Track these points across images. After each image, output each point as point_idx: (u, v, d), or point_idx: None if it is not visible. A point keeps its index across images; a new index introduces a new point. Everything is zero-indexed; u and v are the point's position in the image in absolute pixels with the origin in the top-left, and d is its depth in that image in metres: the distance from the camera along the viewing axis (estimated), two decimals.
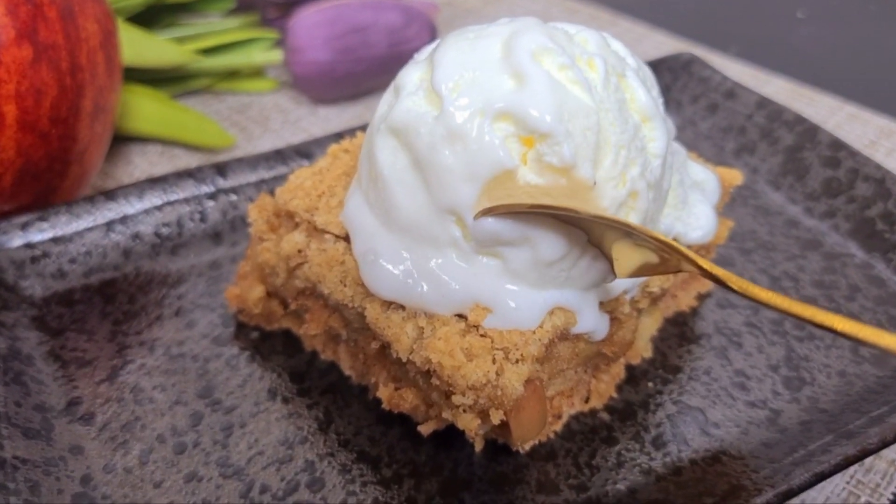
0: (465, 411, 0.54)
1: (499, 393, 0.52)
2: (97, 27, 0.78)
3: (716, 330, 0.71)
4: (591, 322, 0.57)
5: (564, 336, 0.57)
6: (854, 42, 1.33)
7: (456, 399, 0.53)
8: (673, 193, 0.61)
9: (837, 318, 0.44)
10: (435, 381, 0.54)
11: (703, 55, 1.16)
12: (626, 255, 0.53)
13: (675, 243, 0.50)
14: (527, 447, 0.62)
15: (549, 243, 0.53)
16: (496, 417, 0.53)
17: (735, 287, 0.49)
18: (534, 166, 0.52)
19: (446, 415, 0.56)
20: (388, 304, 0.57)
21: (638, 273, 0.54)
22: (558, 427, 0.63)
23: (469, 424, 0.54)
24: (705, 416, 0.64)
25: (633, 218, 0.54)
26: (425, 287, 0.54)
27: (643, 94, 0.56)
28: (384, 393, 0.62)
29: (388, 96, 0.59)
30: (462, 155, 0.52)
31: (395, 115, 0.54)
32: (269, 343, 0.71)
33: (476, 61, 0.53)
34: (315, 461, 0.61)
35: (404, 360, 0.55)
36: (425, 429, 0.60)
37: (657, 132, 0.56)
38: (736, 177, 0.70)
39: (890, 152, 0.99)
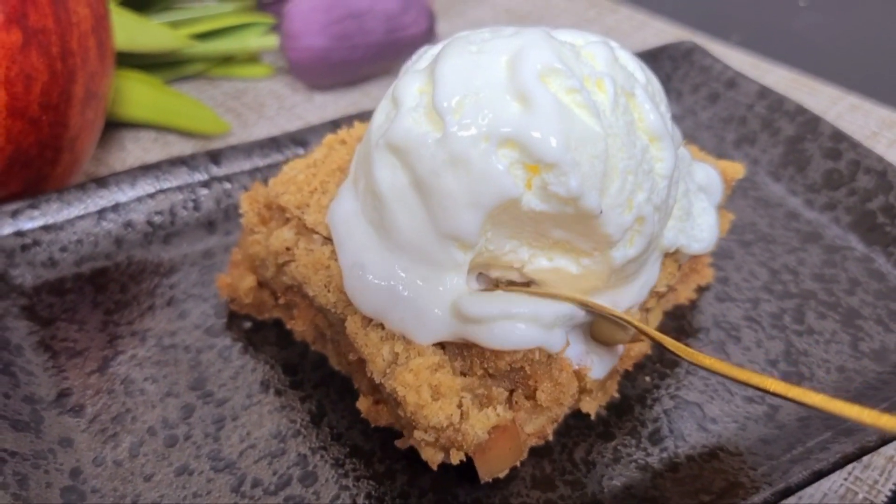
0: (427, 445, 0.54)
1: (460, 437, 0.52)
2: (88, 11, 0.76)
3: (714, 324, 0.71)
4: (576, 355, 0.57)
5: None
6: (856, 31, 1.32)
7: (418, 435, 0.53)
8: (678, 205, 0.60)
9: (770, 380, 0.51)
10: (401, 412, 0.54)
11: (704, 43, 1.15)
12: (601, 329, 0.57)
13: (637, 323, 0.55)
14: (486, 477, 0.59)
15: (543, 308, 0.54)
16: (457, 457, 0.53)
17: (686, 358, 0.53)
18: (539, 193, 0.50)
19: (413, 442, 0.56)
20: (370, 320, 0.56)
21: (609, 342, 0.58)
22: (542, 442, 0.61)
23: (432, 457, 0.54)
24: (703, 412, 0.63)
25: (637, 241, 0.54)
26: (408, 313, 0.54)
27: (652, 113, 0.54)
28: (363, 404, 0.61)
29: (385, 104, 0.57)
30: (465, 181, 0.50)
31: (394, 133, 0.52)
32: (262, 334, 0.70)
33: (480, 80, 0.51)
34: (308, 455, 0.60)
35: (377, 382, 0.55)
36: (402, 444, 0.60)
37: (665, 152, 0.55)
38: (738, 170, 0.69)
39: (891, 144, 0.98)
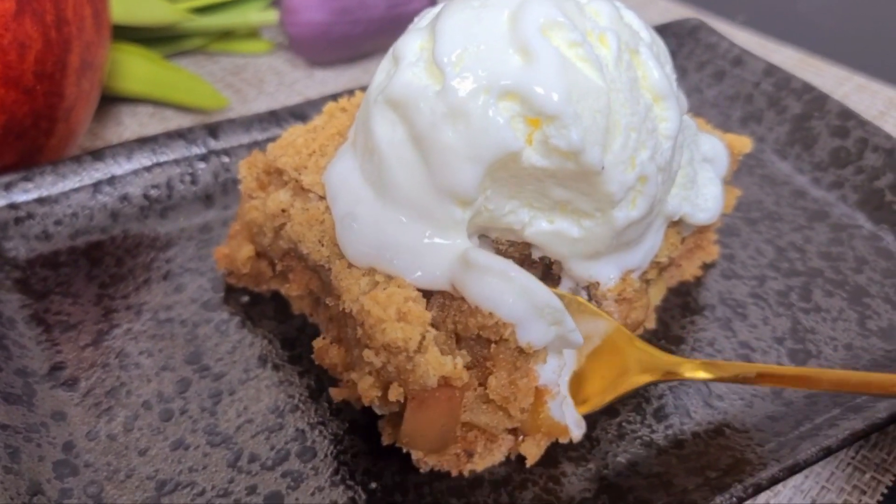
0: (369, 373, 0.52)
1: (409, 367, 0.49)
2: None
3: (720, 301, 0.69)
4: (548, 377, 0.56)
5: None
6: (862, 12, 1.30)
7: (367, 354, 0.50)
8: (682, 172, 0.59)
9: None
10: (359, 332, 0.51)
11: (710, 23, 1.13)
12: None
13: None
14: (414, 456, 0.56)
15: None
16: (395, 394, 0.51)
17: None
18: (539, 148, 0.49)
19: (354, 376, 0.53)
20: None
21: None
22: (466, 470, 0.57)
23: (367, 391, 0.52)
24: (708, 389, 0.62)
25: (640, 203, 0.52)
26: (400, 260, 0.52)
27: (656, 71, 0.53)
28: (317, 343, 0.60)
29: (386, 64, 0.56)
30: (465, 134, 0.49)
31: (393, 87, 0.51)
32: (260, 308, 0.69)
33: (481, 34, 0.50)
34: (306, 430, 0.59)
35: (347, 310, 0.52)
36: (336, 393, 0.59)
37: (669, 112, 0.54)
38: (745, 144, 0.68)
39: None
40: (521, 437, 0.57)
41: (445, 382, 0.50)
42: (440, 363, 0.49)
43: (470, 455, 0.57)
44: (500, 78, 0.48)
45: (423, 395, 0.51)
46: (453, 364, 0.49)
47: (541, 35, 0.48)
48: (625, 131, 0.50)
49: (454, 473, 0.57)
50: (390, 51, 0.56)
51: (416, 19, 0.59)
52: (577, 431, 0.57)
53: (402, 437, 0.54)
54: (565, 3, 0.52)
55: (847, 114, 0.83)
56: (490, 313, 0.50)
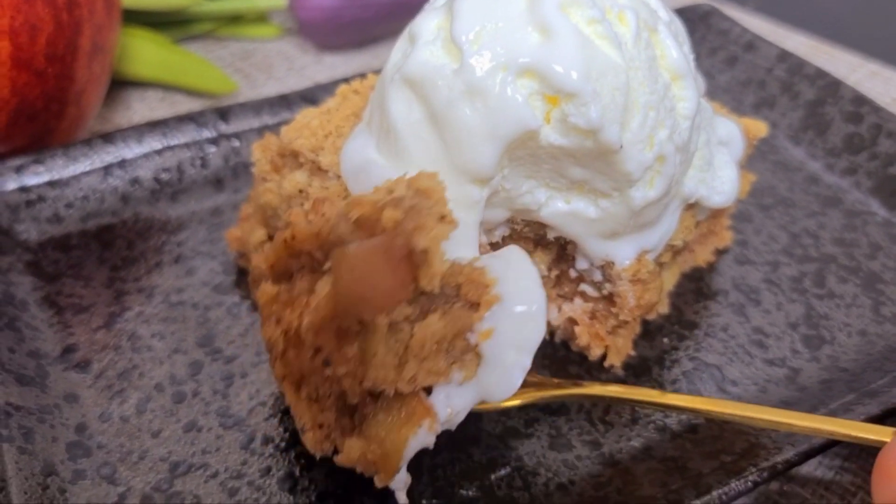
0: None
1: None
2: None
3: (733, 286, 0.69)
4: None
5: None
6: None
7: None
8: (699, 154, 0.58)
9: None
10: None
11: (721, 8, 1.12)
12: None
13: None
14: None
15: None
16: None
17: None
18: (558, 126, 0.49)
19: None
20: None
21: None
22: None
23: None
24: (722, 374, 0.62)
25: (658, 183, 0.52)
26: None
27: (675, 50, 0.53)
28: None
29: (402, 43, 0.56)
30: (482, 112, 0.48)
31: (410, 66, 0.51)
32: None
33: (499, 11, 0.49)
34: None
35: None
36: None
37: (687, 91, 0.53)
38: (760, 128, 0.68)
39: None
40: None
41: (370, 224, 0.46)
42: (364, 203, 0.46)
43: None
44: (518, 55, 0.48)
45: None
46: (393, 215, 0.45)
47: (559, 12, 0.48)
48: (643, 110, 0.50)
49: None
50: (406, 30, 0.56)
51: (430, 1, 0.58)
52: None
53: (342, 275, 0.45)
54: None
55: (861, 99, 0.82)
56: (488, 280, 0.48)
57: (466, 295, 0.48)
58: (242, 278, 0.69)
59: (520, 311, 0.48)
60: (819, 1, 1.27)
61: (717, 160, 0.61)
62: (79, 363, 0.62)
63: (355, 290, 0.44)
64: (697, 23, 0.96)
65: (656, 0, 0.56)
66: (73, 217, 0.73)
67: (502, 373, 0.48)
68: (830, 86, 0.85)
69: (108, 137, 0.76)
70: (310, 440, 0.49)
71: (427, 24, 0.53)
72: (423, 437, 0.47)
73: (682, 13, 0.96)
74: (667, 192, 0.53)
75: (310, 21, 1.01)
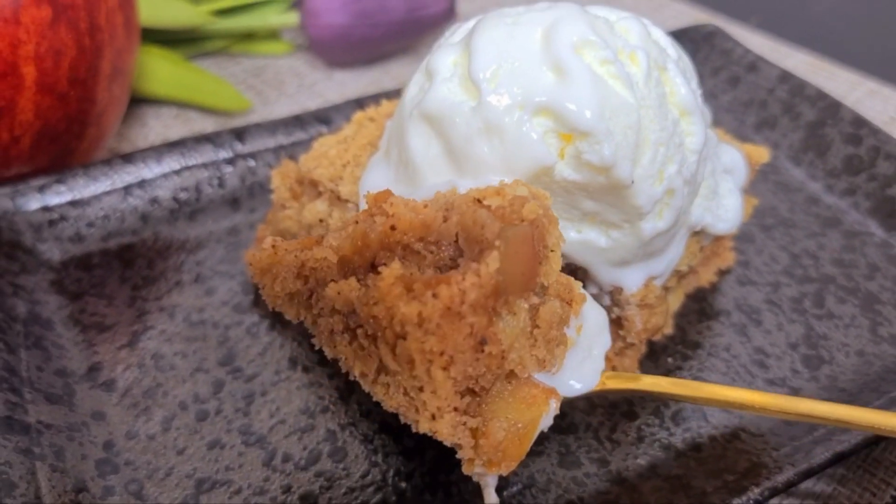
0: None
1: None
2: None
3: (735, 307, 0.71)
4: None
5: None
6: (875, 15, 1.31)
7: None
8: (704, 183, 0.61)
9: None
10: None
11: (723, 26, 1.14)
12: None
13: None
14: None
15: None
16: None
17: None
18: (571, 162, 0.51)
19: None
20: None
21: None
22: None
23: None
24: None
25: (667, 215, 0.54)
26: None
27: (683, 88, 0.55)
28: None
29: (418, 77, 0.58)
30: (500, 149, 0.51)
31: (429, 102, 0.53)
32: None
33: (515, 51, 0.52)
34: (337, 431, 0.61)
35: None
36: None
37: (695, 127, 0.56)
38: (762, 154, 0.70)
39: None
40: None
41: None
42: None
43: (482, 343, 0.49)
44: (534, 94, 0.50)
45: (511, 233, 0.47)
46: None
47: (573, 53, 0.50)
48: (653, 146, 0.52)
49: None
50: (422, 65, 0.58)
51: (446, 33, 0.60)
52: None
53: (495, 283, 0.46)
54: (596, 21, 0.53)
55: (860, 121, 0.84)
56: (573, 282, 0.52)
57: (557, 293, 0.51)
58: (261, 298, 0.71)
59: (593, 311, 0.53)
60: (820, 17, 1.29)
61: (722, 188, 0.64)
62: (104, 381, 0.64)
63: (517, 269, 0.46)
64: (701, 43, 0.98)
65: (665, 37, 0.58)
66: (95, 236, 0.75)
67: (591, 363, 0.53)
68: (830, 107, 0.87)
69: (127, 157, 0.78)
70: (445, 425, 0.47)
71: (444, 60, 0.55)
72: (550, 415, 0.50)
73: (686, 33, 0.99)
74: (675, 222, 0.56)
75: (321, 39, 1.03)
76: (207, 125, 0.97)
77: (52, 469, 0.55)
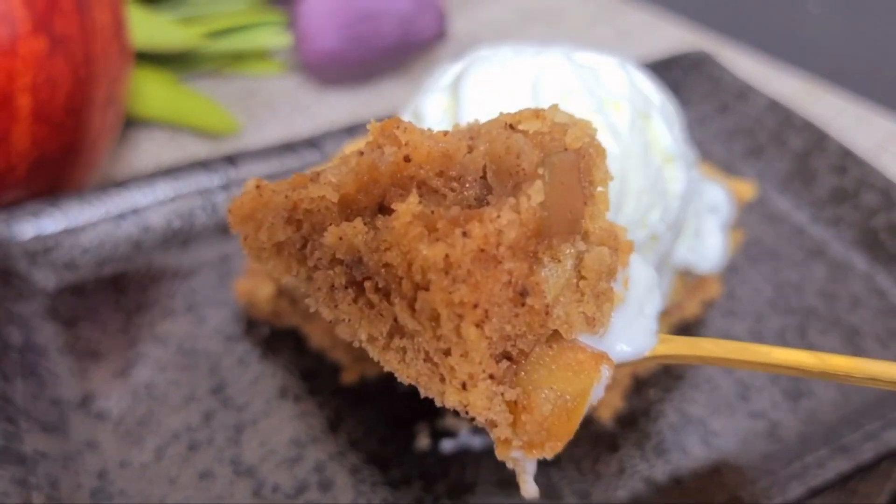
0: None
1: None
2: (111, 18, 0.77)
3: (720, 338, 0.73)
4: None
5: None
6: (867, 36, 1.33)
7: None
8: (689, 223, 0.62)
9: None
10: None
11: (714, 47, 1.16)
12: None
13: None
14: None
15: None
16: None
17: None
18: None
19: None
20: None
21: None
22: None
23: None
24: (706, 426, 0.66)
25: (651, 259, 0.55)
26: None
27: (667, 135, 0.56)
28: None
29: (407, 118, 0.59)
30: None
31: None
32: (280, 340, 0.72)
33: (502, 99, 0.53)
34: (325, 461, 0.63)
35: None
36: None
37: (678, 172, 0.57)
38: (748, 191, 0.71)
39: None
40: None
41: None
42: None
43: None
44: None
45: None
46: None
47: (560, 103, 0.52)
48: (637, 194, 0.53)
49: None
50: (411, 106, 0.59)
51: (436, 75, 0.62)
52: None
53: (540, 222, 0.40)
54: (582, 70, 0.55)
55: (846, 153, 0.86)
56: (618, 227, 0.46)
57: (601, 240, 0.44)
58: (252, 327, 0.73)
59: (640, 265, 0.47)
60: (811, 37, 1.30)
61: (705, 228, 0.65)
62: (99, 410, 0.65)
63: (564, 205, 0.40)
64: (690, 70, 1.00)
65: (650, 84, 0.60)
66: (89, 263, 0.76)
67: (643, 323, 0.46)
68: (817, 138, 0.89)
69: (121, 185, 0.79)
70: (479, 395, 0.39)
71: (433, 105, 0.56)
72: (601, 385, 0.43)
73: (676, 61, 1.00)
74: (659, 266, 0.57)
75: (313, 62, 1.04)
76: (199, 147, 0.99)
77: (47, 499, 0.57)
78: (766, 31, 1.31)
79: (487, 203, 0.41)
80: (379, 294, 0.41)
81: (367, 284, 0.42)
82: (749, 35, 1.25)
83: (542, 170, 0.39)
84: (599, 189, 0.43)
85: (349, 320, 0.44)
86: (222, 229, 0.80)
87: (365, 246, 0.40)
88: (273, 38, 1.07)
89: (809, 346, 0.72)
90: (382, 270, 0.40)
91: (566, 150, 0.41)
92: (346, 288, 0.43)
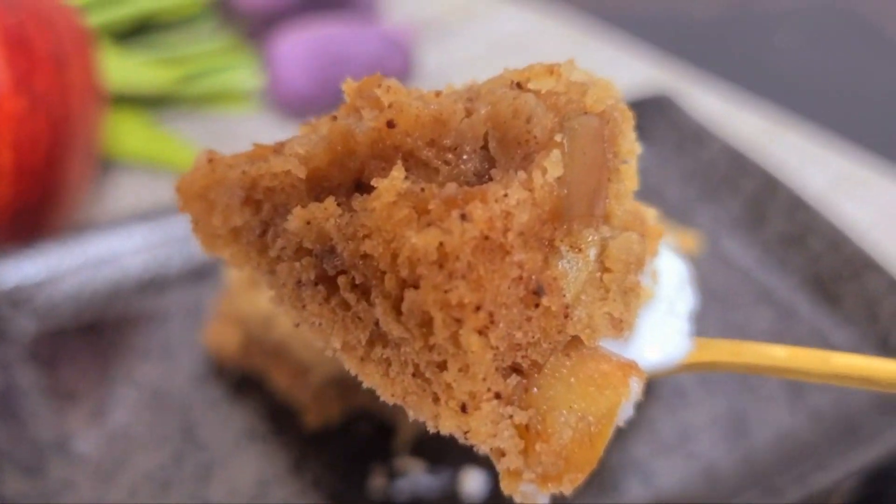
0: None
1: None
2: (87, 72, 0.81)
3: (663, 380, 0.77)
4: None
5: None
6: (832, 68, 1.38)
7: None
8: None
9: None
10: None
11: (679, 82, 1.20)
12: None
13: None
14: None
15: None
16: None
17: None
18: None
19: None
20: None
21: None
22: None
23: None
24: (646, 468, 0.69)
25: None
26: None
27: None
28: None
29: None
30: None
31: None
32: (248, 383, 0.75)
33: None
34: (288, 501, 0.67)
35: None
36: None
37: None
38: (691, 243, 0.75)
39: (849, 197, 1.04)
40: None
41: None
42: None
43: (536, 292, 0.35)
44: None
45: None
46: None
47: None
48: None
49: None
50: None
51: None
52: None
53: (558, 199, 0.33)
54: None
55: (795, 198, 0.90)
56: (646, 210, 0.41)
57: (626, 224, 0.37)
58: (222, 371, 0.76)
59: (667, 254, 0.41)
60: (777, 71, 1.35)
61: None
62: (76, 452, 0.69)
63: (587, 181, 0.33)
64: (653, 112, 1.03)
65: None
66: (69, 308, 0.80)
67: (675, 324, 0.40)
68: (769, 182, 0.93)
69: (97, 230, 0.83)
70: (483, 420, 0.33)
71: None
72: (630, 403, 0.37)
73: (640, 104, 1.04)
74: None
75: (286, 104, 1.08)
76: None
77: None
78: (732, 63, 1.35)
79: (490, 179, 0.34)
80: (356, 292, 0.35)
81: (342, 280, 0.35)
82: (716, 67, 1.30)
83: (560, 137, 0.32)
84: (625, 162, 0.36)
85: (319, 324, 0.37)
86: (197, 274, 0.84)
87: (338, 232, 0.34)
88: (247, 78, 1.10)
89: (750, 389, 0.76)
90: (360, 263, 0.33)
91: (586, 113, 0.34)
92: (316, 284, 0.36)
